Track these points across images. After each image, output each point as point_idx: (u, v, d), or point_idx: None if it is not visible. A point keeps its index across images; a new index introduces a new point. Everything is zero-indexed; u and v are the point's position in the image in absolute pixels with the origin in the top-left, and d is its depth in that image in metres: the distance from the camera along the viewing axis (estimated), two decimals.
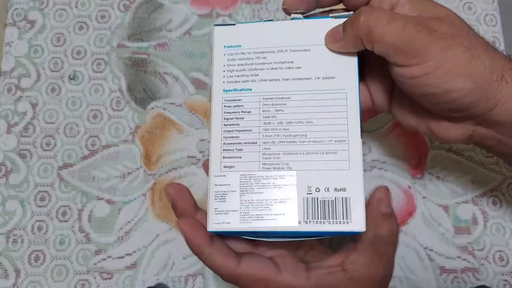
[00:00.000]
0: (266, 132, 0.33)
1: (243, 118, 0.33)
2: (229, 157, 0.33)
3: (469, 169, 0.53)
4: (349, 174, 0.32)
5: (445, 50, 0.29)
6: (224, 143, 0.33)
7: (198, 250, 0.33)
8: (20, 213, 0.52)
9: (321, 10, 0.36)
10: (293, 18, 0.35)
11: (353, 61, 0.34)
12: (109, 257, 0.51)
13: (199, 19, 0.59)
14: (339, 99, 0.33)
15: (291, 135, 0.33)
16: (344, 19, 0.33)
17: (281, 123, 0.33)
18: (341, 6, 0.36)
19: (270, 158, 0.32)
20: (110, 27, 0.58)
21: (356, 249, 0.33)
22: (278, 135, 0.33)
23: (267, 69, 0.34)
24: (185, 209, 0.34)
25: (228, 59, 0.35)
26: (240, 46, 0.35)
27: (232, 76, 0.34)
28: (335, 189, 0.31)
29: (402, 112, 0.37)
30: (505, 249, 0.51)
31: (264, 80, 0.34)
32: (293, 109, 0.33)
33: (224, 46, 0.35)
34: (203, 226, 0.33)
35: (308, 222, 0.31)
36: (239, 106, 0.34)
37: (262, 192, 0.32)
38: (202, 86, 0.56)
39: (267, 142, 0.33)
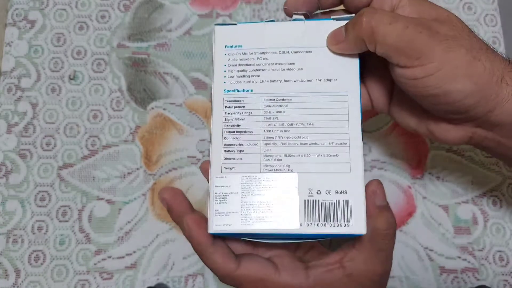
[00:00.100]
0: (267, 134, 0.33)
1: (244, 119, 0.33)
2: (230, 159, 0.33)
3: (469, 169, 0.53)
4: (350, 177, 0.32)
5: (447, 51, 0.30)
6: (225, 144, 0.33)
7: (200, 248, 0.33)
8: (20, 213, 0.52)
9: (322, 11, 0.36)
10: (294, 19, 0.35)
11: (355, 63, 0.33)
12: (109, 257, 0.51)
13: (199, 19, 0.59)
14: (341, 102, 0.33)
15: (292, 137, 0.33)
16: (346, 21, 0.33)
17: (283, 124, 0.33)
18: (342, 7, 0.36)
19: (271, 159, 0.32)
20: (110, 27, 0.58)
21: (354, 246, 0.33)
22: (279, 137, 0.33)
23: (269, 70, 0.34)
24: (181, 212, 0.34)
25: (229, 59, 0.35)
26: (241, 46, 0.35)
27: (233, 77, 0.34)
28: (336, 192, 0.31)
29: (401, 113, 0.37)
30: (505, 249, 0.51)
31: (265, 81, 0.34)
32: (295, 111, 0.33)
33: (225, 46, 0.35)
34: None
35: (309, 225, 0.31)
36: (240, 107, 0.33)
37: (263, 194, 0.32)
38: (202, 86, 0.56)
39: (268, 144, 0.33)
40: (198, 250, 0.33)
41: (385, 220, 0.32)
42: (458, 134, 0.34)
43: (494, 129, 0.33)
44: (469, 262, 0.51)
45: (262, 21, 0.35)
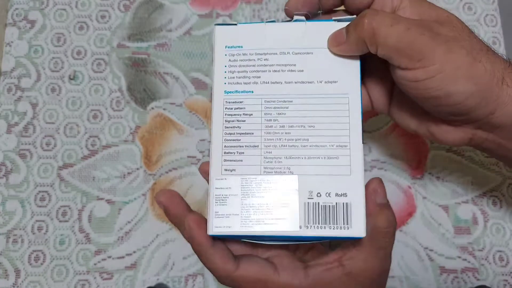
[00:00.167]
0: (268, 136, 0.33)
1: (244, 120, 0.33)
2: (230, 160, 0.33)
3: (469, 170, 0.53)
4: (350, 180, 0.32)
5: (448, 53, 0.30)
6: (225, 146, 0.33)
7: (200, 249, 0.32)
8: (20, 213, 0.52)
9: (322, 11, 0.36)
10: (295, 20, 0.35)
11: (356, 65, 0.33)
12: (109, 257, 0.51)
13: (199, 19, 0.59)
14: (341, 104, 0.33)
15: (292, 139, 0.32)
16: (347, 23, 0.33)
17: (283, 126, 0.33)
18: (342, 8, 0.36)
19: (271, 162, 0.32)
20: (110, 27, 0.58)
21: (353, 244, 0.33)
22: (279, 139, 0.32)
23: (269, 71, 0.34)
24: (179, 213, 0.34)
25: (230, 60, 0.34)
26: (241, 47, 0.34)
27: (233, 78, 0.34)
28: (336, 194, 0.31)
29: (401, 114, 0.37)
30: (505, 249, 0.51)
31: (266, 83, 0.33)
32: (295, 112, 0.33)
33: (226, 47, 0.35)
34: None
35: (309, 227, 0.31)
36: (241, 108, 0.33)
37: (263, 196, 0.32)
38: (202, 86, 0.56)
39: (269, 146, 0.32)
40: (198, 251, 0.33)
41: (385, 218, 0.32)
42: (459, 135, 0.34)
43: (494, 131, 0.33)
44: (469, 262, 0.51)
45: (262, 22, 0.35)
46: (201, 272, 0.51)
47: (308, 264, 0.34)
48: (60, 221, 0.52)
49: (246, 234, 0.32)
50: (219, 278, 0.33)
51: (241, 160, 0.32)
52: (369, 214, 0.32)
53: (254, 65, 0.34)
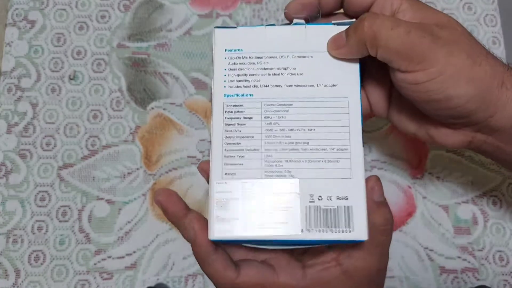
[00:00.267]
0: (268, 139, 0.32)
1: (244, 124, 0.33)
2: (231, 164, 0.32)
3: (469, 170, 0.54)
4: (351, 183, 0.32)
5: (448, 56, 0.30)
6: (225, 149, 0.33)
7: (203, 256, 0.32)
8: (20, 213, 0.52)
9: (321, 15, 0.36)
10: (295, 23, 0.35)
11: (355, 69, 0.33)
12: (109, 257, 0.51)
13: (199, 19, 0.59)
14: (341, 107, 0.33)
15: (293, 143, 0.32)
16: (346, 26, 0.33)
17: (283, 130, 0.32)
18: (341, 12, 0.36)
19: (272, 165, 0.32)
20: (110, 27, 0.58)
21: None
22: (280, 142, 0.32)
23: (269, 74, 0.33)
24: (176, 212, 0.34)
25: (229, 63, 0.34)
26: (241, 50, 0.34)
27: (233, 81, 0.34)
28: (338, 198, 0.31)
29: (400, 118, 0.37)
30: (505, 249, 0.51)
31: (266, 86, 0.33)
32: (296, 116, 0.33)
33: (226, 50, 0.34)
34: None
35: (311, 231, 0.31)
36: (241, 112, 0.33)
37: (264, 200, 0.32)
38: (202, 86, 0.56)
39: (269, 149, 0.32)
40: (200, 257, 0.32)
41: (382, 216, 0.32)
42: (458, 138, 0.34)
43: (493, 134, 0.33)
44: (469, 262, 0.51)
45: (262, 25, 0.35)
46: (201, 272, 0.51)
47: (305, 263, 0.34)
48: (60, 221, 0.52)
49: (247, 239, 0.32)
50: (220, 285, 0.33)
51: (242, 164, 0.32)
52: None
53: (254, 69, 0.34)
